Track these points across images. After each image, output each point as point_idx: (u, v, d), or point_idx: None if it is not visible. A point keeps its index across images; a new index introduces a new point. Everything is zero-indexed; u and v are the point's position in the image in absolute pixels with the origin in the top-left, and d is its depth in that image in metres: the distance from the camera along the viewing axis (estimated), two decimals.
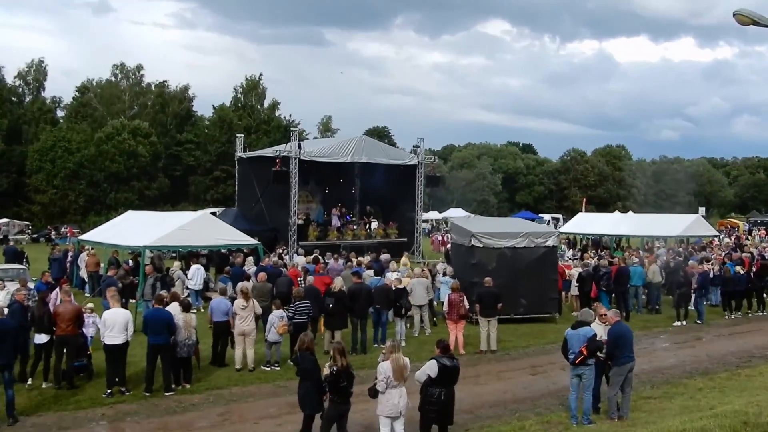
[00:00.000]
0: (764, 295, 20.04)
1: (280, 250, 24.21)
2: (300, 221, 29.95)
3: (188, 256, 21.26)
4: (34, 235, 47.10)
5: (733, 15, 8.63)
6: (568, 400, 9.83)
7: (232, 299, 13.46)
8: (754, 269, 20.44)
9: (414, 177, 32.62)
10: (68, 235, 40.91)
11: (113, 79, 63.87)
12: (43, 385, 11.35)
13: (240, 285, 13.76)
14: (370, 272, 17.06)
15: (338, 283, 13.89)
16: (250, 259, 19.08)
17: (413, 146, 35.42)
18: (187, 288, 17.91)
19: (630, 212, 48.09)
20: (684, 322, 17.71)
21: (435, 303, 17.00)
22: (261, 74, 67.51)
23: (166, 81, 64.96)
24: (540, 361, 13.60)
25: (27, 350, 11.64)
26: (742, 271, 19.48)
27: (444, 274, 17.77)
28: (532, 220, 41.83)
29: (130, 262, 19.56)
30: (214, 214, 27.44)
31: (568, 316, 17.04)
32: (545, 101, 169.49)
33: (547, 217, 58.24)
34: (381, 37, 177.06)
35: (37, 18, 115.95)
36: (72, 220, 50.14)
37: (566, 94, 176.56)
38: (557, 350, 10.94)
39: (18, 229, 47.39)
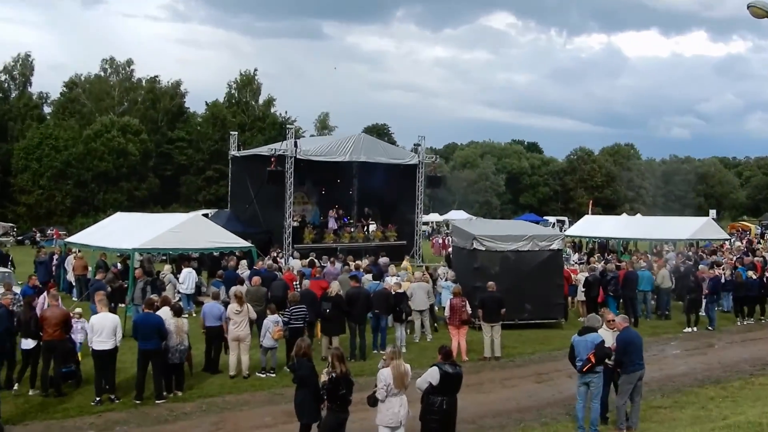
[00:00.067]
0: None
1: (275, 254, 23.90)
2: (295, 223, 29.69)
3: (179, 259, 21.04)
4: (19, 237, 46.58)
5: (747, 7, 8.56)
6: (575, 410, 9.64)
7: (225, 303, 13.29)
8: (767, 274, 20.06)
9: (414, 177, 32.19)
10: (54, 237, 40.59)
11: (102, 73, 62.32)
12: (30, 392, 11.14)
13: (234, 289, 13.65)
14: (369, 276, 16.85)
15: (335, 288, 13.76)
16: (244, 262, 18.82)
17: (414, 145, 34.99)
18: (179, 292, 17.66)
19: (638, 215, 47.84)
20: (695, 329, 17.45)
21: (436, 308, 16.78)
22: (256, 69, 65.48)
23: (157, 76, 63.62)
24: (545, 369, 13.38)
25: (14, 356, 11.42)
26: (754, 276, 19.13)
27: (445, 279, 17.51)
28: (537, 222, 41.64)
29: (119, 265, 19.36)
30: (206, 215, 27.18)
31: (575, 322, 16.81)
32: (551, 98, 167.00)
33: (552, 219, 57.83)
34: (381, 30, 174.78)
35: (23, 10, 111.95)
36: (59, 222, 49.27)
37: (573, 91, 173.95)
38: (563, 357, 10.74)
39: (2, 231, 46.95)
